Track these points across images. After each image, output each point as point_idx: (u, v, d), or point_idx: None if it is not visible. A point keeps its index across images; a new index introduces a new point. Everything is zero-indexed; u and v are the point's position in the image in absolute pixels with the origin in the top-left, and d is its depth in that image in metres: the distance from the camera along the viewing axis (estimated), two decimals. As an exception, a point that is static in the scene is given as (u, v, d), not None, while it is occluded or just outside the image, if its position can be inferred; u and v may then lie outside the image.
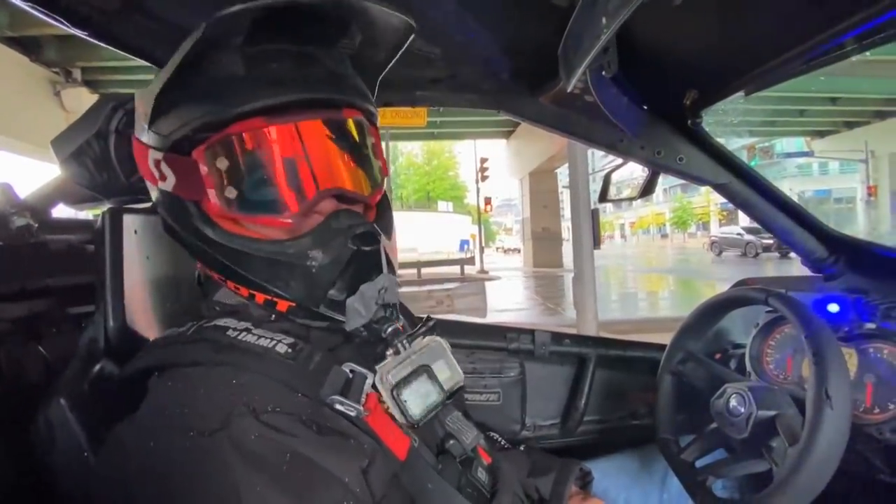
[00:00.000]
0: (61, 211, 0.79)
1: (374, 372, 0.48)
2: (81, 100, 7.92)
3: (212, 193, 0.46)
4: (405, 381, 0.48)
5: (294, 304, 0.48)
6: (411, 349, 0.50)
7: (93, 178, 0.74)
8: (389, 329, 0.49)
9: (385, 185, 0.55)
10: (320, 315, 0.49)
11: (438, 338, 0.52)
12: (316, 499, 0.40)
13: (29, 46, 7.13)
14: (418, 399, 0.48)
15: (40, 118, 7.34)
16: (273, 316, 0.51)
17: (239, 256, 0.47)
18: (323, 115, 0.47)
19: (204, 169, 0.46)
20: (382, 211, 0.55)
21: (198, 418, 0.41)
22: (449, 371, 0.51)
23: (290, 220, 0.47)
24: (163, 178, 0.47)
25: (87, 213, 0.89)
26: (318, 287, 0.48)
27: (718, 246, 19.26)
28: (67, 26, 0.68)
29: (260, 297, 0.49)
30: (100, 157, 0.73)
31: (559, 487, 0.69)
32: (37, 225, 0.67)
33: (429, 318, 0.53)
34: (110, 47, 0.77)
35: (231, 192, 0.46)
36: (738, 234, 17.98)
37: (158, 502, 0.39)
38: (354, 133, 0.50)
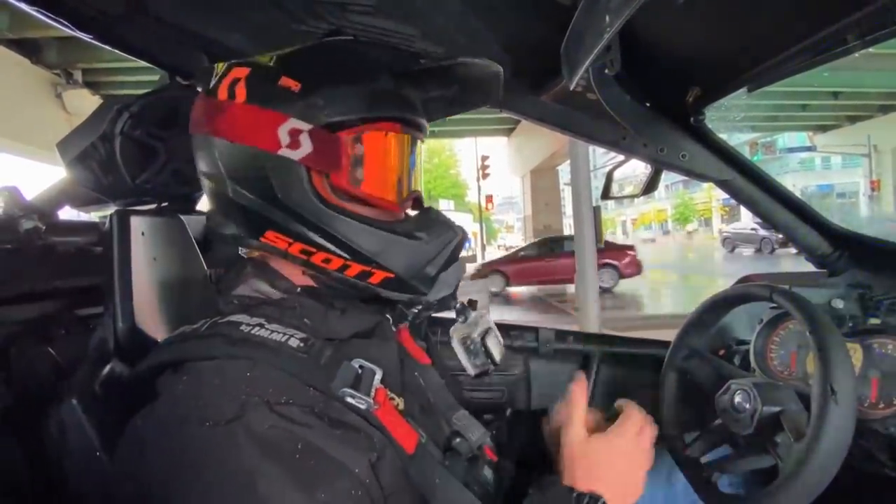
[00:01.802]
0: (66, 213, 0.80)
1: (432, 335, 0.64)
2: (83, 101, 7.94)
3: (345, 171, 0.53)
4: (485, 334, 0.67)
5: (392, 276, 0.55)
6: (475, 316, 0.69)
7: (98, 181, 0.75)
8: (457, 304, 0.67)
9: None
10: (409, 287, 0.56)
11: (486, 310, 0.71)
12: (327, 488, 0.41)
13: (30, 48, 7.15)
14: (496, 348, 0.68)
15: (42, 120, 7.37)
16: (330, 287, 0.57)
17: (350, 229, 0.53)
18: (420, 134, 0.60)
19: (346, 150, 0.53)
20: None
21: (213, 409, 0.42)
22: (498, 336, 0.71)
23: (399, 205, 0.58)
24: (295, 145, 0.51)
25: (91, 216, 0.90)
26: (421, 261, 0.56)
27: (731, 242, 18.63)
28: (72, 29, 0.68)
29: (354, 269, 0.54)
30: (105, 159, 0.74)
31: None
32: (44, 227, 0.68)
33: (472, 300, 0.72)
34: (114, 50, 0.77)
35: (360, 174, 0.54)
36: (753, 229, 17.10)
37: (175, 492, 0.40)
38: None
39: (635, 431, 0.62)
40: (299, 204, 0.52)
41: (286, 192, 0.52)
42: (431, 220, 0.58)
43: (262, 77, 0.52)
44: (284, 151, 0.51)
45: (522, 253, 10.80)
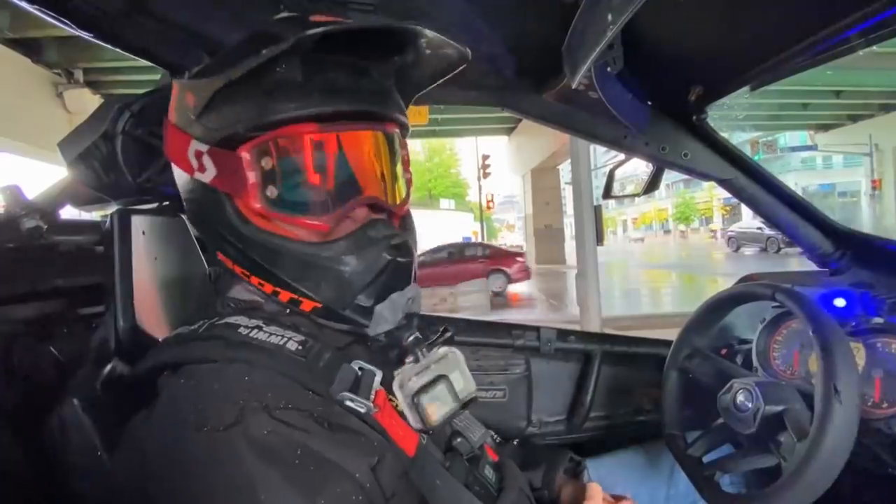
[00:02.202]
0: (67, 212, 0.80)
1: (392, 375, 0.50)
2: (84, 101, 7.93)
3: (253, 190, 0.47)
4: (424, 388, 0.50)
5: (319, 306, 0.49)
6: (430, 358, 0.52)
7: (100, 180, 0.74)
8: (410, 337, 0.51)
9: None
10: (344, 318, 0.50)
11: (455, 349, 0.55)
12: (327, 493, 0.41)
13: (30, 48, 7.15)
14: (436, 406, 0.50)
15: (43, 120, 7.37)
16: (288, 310, 0.51)
17: (270, 253, 0.48)
18: (368, 126, 0.50)
19: (249, 166, 0.46)
20: (408, 222, 0.57)
21: (212, 414, 0.41)
22: (464, 381, 0.53)
23: (326, 223, 0.48)
24: (202, 169, 0.47)
25: (92, 215, 0.90)
26: (348, 291, 0.49)
27: (736, 241, 18.29)
28: (73, 28, 0.68)
29: (285, 295, 0.49)
30: (107, 158, 0.73)
31: (549, 475, 0.71)
32: (46, 226, 0.68)
33: (445, 330, 0.55)
34: (115, 49, 0.77)
35: (272, 192, 0.47)
36: (759, 228, 16.56)
37: (175, 497, 0.40)
38: (392, 146, 0.52)
39: None
40: (223, 227, 0.49)
41: (210, 216, 0.50)
42: (366, 240, 0.49)
43: (179, 93, 0.50)
44: (198, 175, 0.48)
45: (422, 258, 11.24)
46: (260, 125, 0.46)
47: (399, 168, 0.54)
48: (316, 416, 0.44)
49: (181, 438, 0.41)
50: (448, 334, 0.55)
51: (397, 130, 0.53)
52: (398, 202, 0.53)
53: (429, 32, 0.51)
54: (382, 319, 0.50)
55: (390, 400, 0.50)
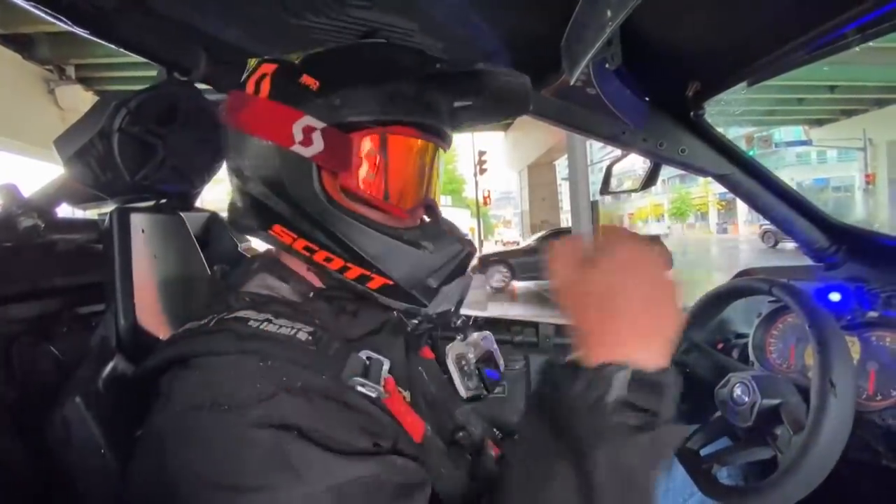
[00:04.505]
0: (63, 211, 0.79)
1: (408, 358, 0.59)
2: (77, 98, 7.85)
3: (356, 171, 0.53)
4: (480, 360, 0.67)
5: (390, 283, 0.54)
6: (475, 337, 0.69)
7: (97, 178, 0.74)
8: (459, 320, 0.65)
9: None
10: (408, 296, 0.55)
11: (489, 333, 0.70)
12: (350, 468, 0.42)
13: (21, 44, 7.04)
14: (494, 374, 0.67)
15: (35, 117, 7.29)
16: (317, 293, 0.56)
17: (353, 230, 0.53)
18: (442, 143, 0.59)
19: (359, 150, 0.53)
20: None
21: (229, 396, 0.42)
22: (499, 360, 0.70)
23: (406, 213, 0.57)
24: (307, 143, 0.51)
25: (89, 213, 0.90)
26: (421, 272, 0.55)
27: (773, 236, 17.42)
28: (68, 24, 0.68)
29: (354, 272, 0.54)
30: (104, 156, 0.73)
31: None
32: (43, 225, 0.68)
33: (476, 318, 0.69)
34: (110, 45, 0.77)
35: (369, 176, 0.54)
36: None
37: (198, 481, 0.40)
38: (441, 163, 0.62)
39: (639, 248, 0.44)
40: (306, 200, 0.53)
41: (295, 188, 0.53)
42: (440, 231, 0.58)
43: (286, 74, 0.53)
44: (297, 148, 0.51)
45: None
46: (379, 120, 0.53)
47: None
48: (331, 395, 0.45)
49: (202, 422, 0.42)
50: (481, 321, 0.71)
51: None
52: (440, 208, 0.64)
53: (525, 84, 0.62)
54: (445, 299, 0.57)
55: (399, 390, 0.52)
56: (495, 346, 0.70)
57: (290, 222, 0.54)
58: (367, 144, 0.53)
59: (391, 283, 0.54)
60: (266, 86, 0.53)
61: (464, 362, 0.69)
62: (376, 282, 0.54)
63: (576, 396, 0.39)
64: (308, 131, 0.51)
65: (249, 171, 0.54)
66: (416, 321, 0.61)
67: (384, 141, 0.54)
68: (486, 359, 0.69)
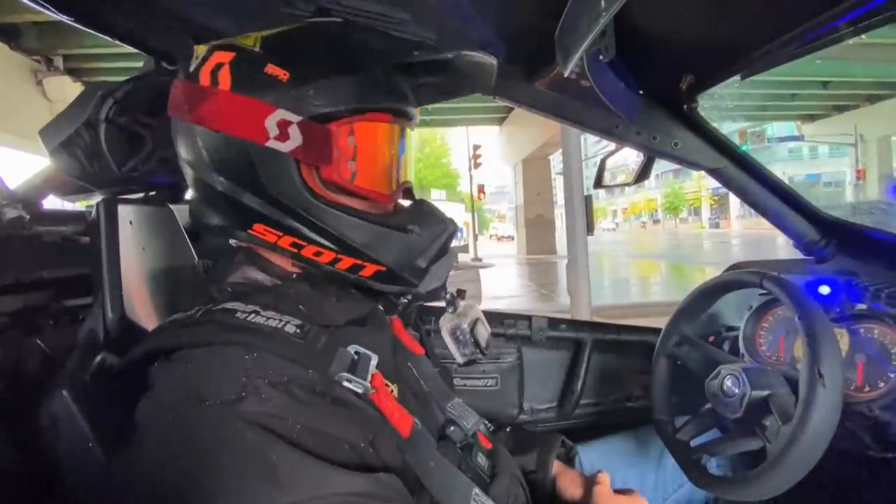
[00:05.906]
0: (49, 203, 0.78)
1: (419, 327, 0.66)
2: (65, 89, 7.72)
3: (338, 163, 0.52)
4: (472, 326, 0.74)
5: (383, 269, 0.55)
6: (463, 307, 0.74)
7: (84, 169, 0.73)
8: (448, 294, 0.70)
9: None
10: (400, 279, 0.56)
11: (475, 303, 0.77)
12: (331, 460, 0.42)
13: (8, 33, 6.91)
14: (484, 336, 0.75)
15: (22, 108, 7.15)
16: (301, 282, 0.55)
17: (340, 222, 0.52)
18: (410, 123, 0.59)
19: (338, 142, 0.52)
20: None
21: (213, 389, 0.41)
22: (485, 324, 0.79)
23: (390, 198, 0.57)
24: (283, 137, 0.50)
25: (76, 205, 0.88)
26: (410, 255, 0.56)
27: None
28: (55, 12, 0.66)
29: (346, 262, 0.54)
30: (90, 146, 0.72)
31: (543, 457, 0.74)
32: (28, 217, 0.66)
33: (463, 290, 0.76)
34: (97, 34, 0.75)
35: (351, 166, 0.53)
36: None
37: (182, 474, 0.39)
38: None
39: None
40: (289, 197, 0.51)
41: (275, 185, 0.51)
42: (423, 213, 0.58)
43: (248, 63, 0.50)
44: (273, 143, 0.50)
45: None
46: (354, 109, 0.52)
47: None
48: (317, 390, 0.45)
49: (184, 415, 0.41)
50: (465, 292, 0.76)
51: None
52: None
53: (491, 64, 0.65)
54: (435, 278, 0.58)
55: (386, 385, 0.51)
56: (480, 313, 0.78)
57: (271, 220, 0.52)
58: (345, 134, 0.52)
59: (383, 269, 0.54)
60: (226, 77, 0.50)
61: (458, 332, 0.76)
62: (368, 269, 0.54)
63: None
64: (283, 125, 0.49)
65: (216, 169, 0.51)
66: (405, 300, 0.63)
67: (363, 129, 0.53)
68: (476, 324, 0.77)
